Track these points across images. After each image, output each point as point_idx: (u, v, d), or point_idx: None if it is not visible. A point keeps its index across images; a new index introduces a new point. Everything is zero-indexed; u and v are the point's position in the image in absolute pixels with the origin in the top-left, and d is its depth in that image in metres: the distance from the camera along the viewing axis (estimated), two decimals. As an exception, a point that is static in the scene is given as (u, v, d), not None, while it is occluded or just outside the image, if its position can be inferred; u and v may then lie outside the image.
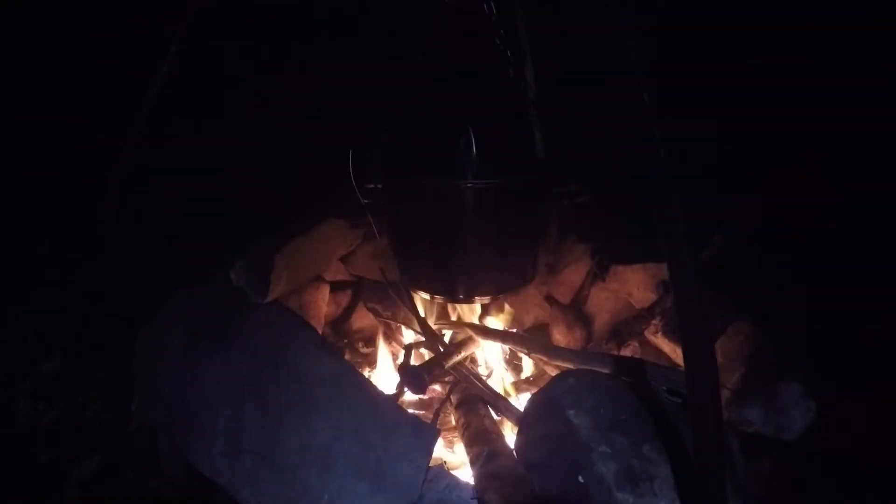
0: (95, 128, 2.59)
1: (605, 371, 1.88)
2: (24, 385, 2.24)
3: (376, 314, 2.85)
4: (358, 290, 2.90)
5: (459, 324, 2.49)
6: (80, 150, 2.65)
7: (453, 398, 2.11)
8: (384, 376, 2.39)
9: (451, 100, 1.90)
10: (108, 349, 2.23)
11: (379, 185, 1.95)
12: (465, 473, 1.71)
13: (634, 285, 2.42)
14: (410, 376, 2.02)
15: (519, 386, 2.34)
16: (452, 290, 1.97)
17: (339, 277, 2.85)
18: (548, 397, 1.70)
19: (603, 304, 2.59)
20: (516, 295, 2.25)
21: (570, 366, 2.02)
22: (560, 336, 2.61)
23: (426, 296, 2.11)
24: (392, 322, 2.74)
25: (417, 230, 1.96)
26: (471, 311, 2.50)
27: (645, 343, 2.33)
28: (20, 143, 2.69)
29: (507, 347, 2.35)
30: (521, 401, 2.08)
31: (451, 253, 1.89)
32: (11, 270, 2.53)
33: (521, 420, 1.79)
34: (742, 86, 2.34)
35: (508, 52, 1.91)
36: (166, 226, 2.64)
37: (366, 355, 2.70)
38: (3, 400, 2.19)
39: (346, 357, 2.64)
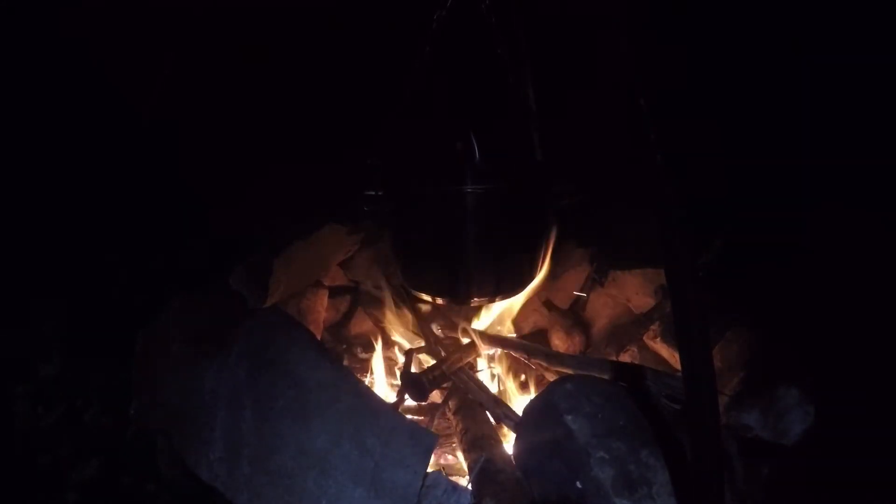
0: (95, 127, 2.59)
1: (604, 376, 1.89)
2: (22, 388, 2.24)
3: (375, 320, 2.85)
4: (357, 296, 2.90)
5: (459, 329, 2.49)
6: (80, 151, 2.66)
7: (451, 404, 2.11)
8: (383, 382, 2.39)
9: (450, 105, 1.91)
10: (107, 353, 2.23)
11: (379, 192, 1.97)
12: (463, 479, 1.71)
13: (633, 290, 2.42)
14: (411, 383, 2.02)
15: (518, 391, 2.34)
16: (454, 291, 1.98)
17: (338, 283, 2.85)
18: (546, 403, 1.70)
19: (602, 309, 2.59)
20: (516, 296, 2.26)
21: (568, 371, 2.03)
22: (559, 341, 2.61)
23: (428, 298, 2.12)
24: (391, 327, 2.74)
25: (419, 235, 1.97)
26: (471, 317, 2.50)
27: (644, 348, 2.33)
28: (19, 143, 2.69)
29: (506, 353, 2.35)
30: (519, 406, 2.07)
31: (452, 255, 1.90)
32: (10, 272, 2.53)
33: (520, 425, 1.79)
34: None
35: (508, 58, 1.92)
36: (165, 229, 2.64)
37: (364, 361, 2.69)
38: (2, 403, 2.19)
39: (345, 362, 2.64)
